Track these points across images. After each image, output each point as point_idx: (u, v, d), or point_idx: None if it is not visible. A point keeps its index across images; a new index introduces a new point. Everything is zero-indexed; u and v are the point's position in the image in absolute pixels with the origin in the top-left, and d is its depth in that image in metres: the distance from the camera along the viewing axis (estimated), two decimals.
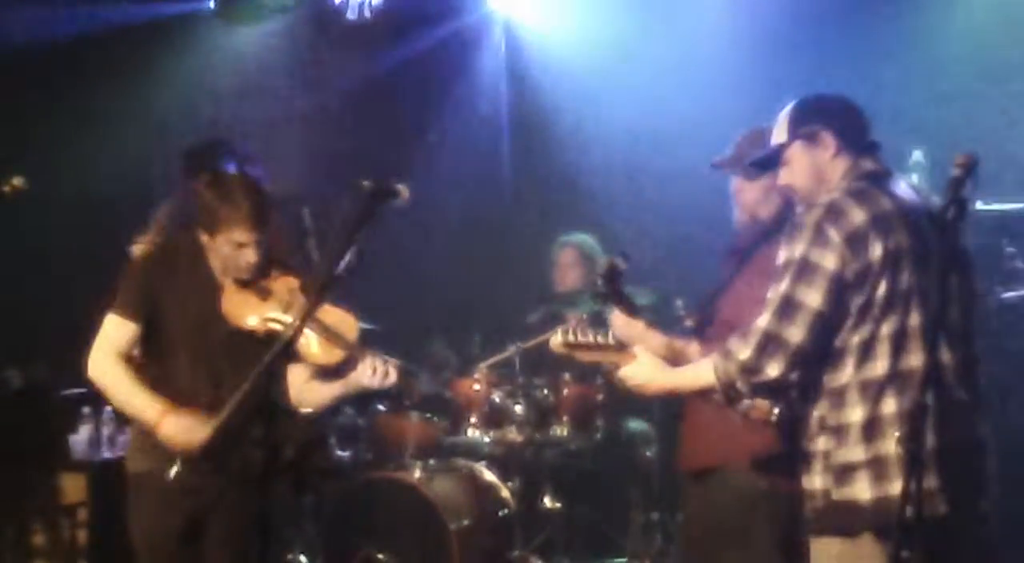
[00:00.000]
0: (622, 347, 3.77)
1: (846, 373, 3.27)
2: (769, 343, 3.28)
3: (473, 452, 6.19)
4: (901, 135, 5.01)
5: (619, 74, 7.02)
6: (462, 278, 7.37)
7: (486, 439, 6.15)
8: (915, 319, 3.24)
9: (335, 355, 4.11)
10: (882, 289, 3.24)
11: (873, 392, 3.24)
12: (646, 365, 3.67)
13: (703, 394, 3.51)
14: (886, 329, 3.24)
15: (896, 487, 3.11)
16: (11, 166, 4.65)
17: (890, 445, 3.20)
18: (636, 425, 6.38)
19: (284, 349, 3.81)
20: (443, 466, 5.99)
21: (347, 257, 3.74)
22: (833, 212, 3.28)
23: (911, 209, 3.34)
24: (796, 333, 3.26)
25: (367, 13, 7.12)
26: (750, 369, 3.31)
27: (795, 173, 3.49)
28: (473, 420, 6.19)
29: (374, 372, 4.04)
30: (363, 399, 5.95)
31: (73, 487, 5.77)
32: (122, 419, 5.61)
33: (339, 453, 6.16)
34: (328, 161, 7.02)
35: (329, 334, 4.08)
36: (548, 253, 6.73)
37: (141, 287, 4.16)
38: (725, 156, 4.13)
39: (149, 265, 4.23)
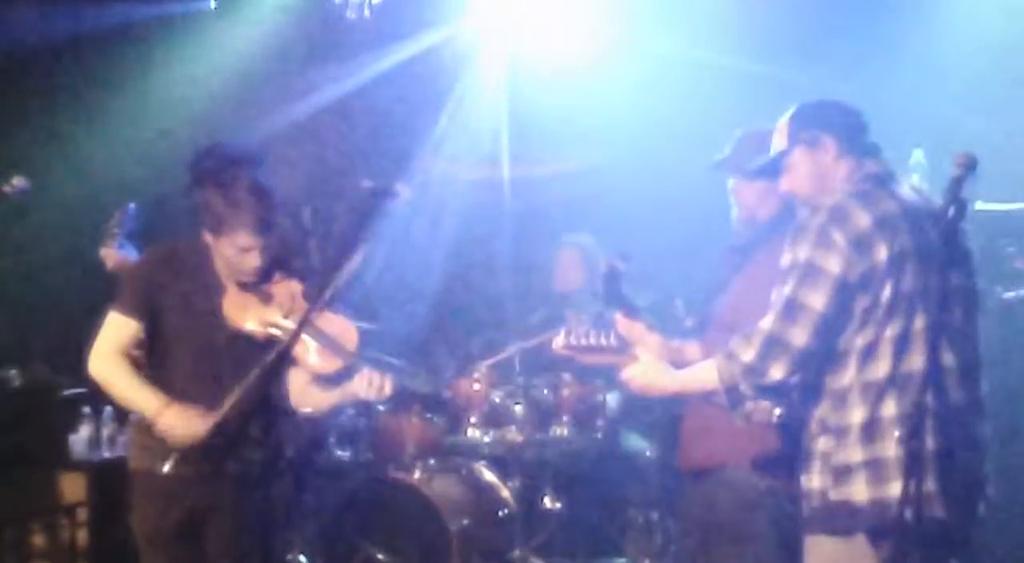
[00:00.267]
0: (624, 348, 3.77)
1: (848, 374, 3.28)
2: (773, 345, 3.29)
3: (473, 452, 6.19)
4: (901, 135, 5.01)
5: (618, 73, 7.02)
6: (462, 278, 7.37)
7: (486, 439, 6.14)
8: (919, 321, 3.24)
9: (333, 364, 4.13)
10: (887, 291, 3.24)
11: (874, 394, 3.24)
12: (648, 367, 3.68)
13: (706, 396, 3.51)
14: (890, 331, 3.24)
15: (893, 489, 3.12)
16: (11, 166, 4.65)
17: (889, 447, 3.21)
18: (636, 430, 6.38)
19: (282, 354, 3.83)
20: (443, 466, 5.99)
21: (349, 262, 3.76)
22: (837, 215, 3.28)
23: (915, 210, 3.34)
24: (800, 336, 3.26)
25: (367, 13, 7.12)
26: (753, 371, 3.31)
27: (797, 179, 3.49)
28: (473, 420, 6.19)
29: (370, 384, 4.07)
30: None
31: (73, 487, 5.77)
32: (122, 419, 5.61)
33: (339, 453, 6.16)
34: (328, 161, 7.02)
35: (328, 343, 4.10)
36: (548, 253, 6.73)
37: (144, 286, 4.18)
38: (724, 157, 4.14)
39: (153, 264, 4.25)
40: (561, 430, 6.10)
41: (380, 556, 5.69)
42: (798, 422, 3.44)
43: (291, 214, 5.07)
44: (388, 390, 4.09)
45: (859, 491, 3.25)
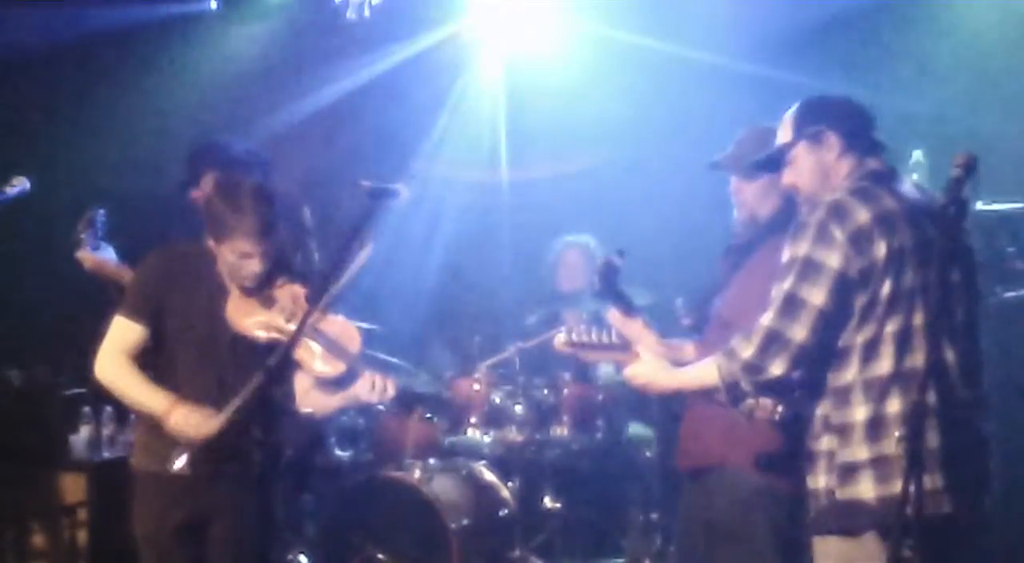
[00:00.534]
0: (625, 346, 3.77)
1: (850, 372, 3.28)
2: (772, 342, 3.29)
3: (473, 452, 6.19)
4: (901, 135, 5.01)
5: (618, 72, 7.02)
6: (460, 279, 7.36)
7: (486, 439, 6.15)
8: (919, 318, 3.25)
9: (336, 368, 4.15)
10: (886, 288, 3.25)
11: (877, 391, 3.24)
12: (649, 364, 3.68)
13: (706, 394, 3.52)
14: (890, 328, 3.25)
15: (899, 486, 3.12)
16: (12, 166, 4.66)
17: (894, 445, 3.21)
18: (636, 426, 6.38)
19: (284, 356, 3.83)
20: (443, 466, 5.99)
21: (350, 263, 3.77)
22: (837, 211, 3.29)
23: (915, 208, 3.35)
24: (799, 332, 3.26)
25: (367, 12, 7.12)
26: (753, 368, 3.31)
27: (800, 173, 3.50)
28: (473, 420, 6.19)
29: (373, 387, 4.09)
30: None
31: (73, 487, 5.77)
32: (122, 419, 5.61)
33: (339, 453, 6.16)
34: (329, 161, 7.02)
35: (331, 346, 4.11)
36: (547, 254, 6.73)
37: (149, 290, 4.19)
38: (724, 155, 4.14)
39: (158, 267, 4.26)
40: (561, 430, 6.10)
41: (380, 556, 5.69)
42: (800, 420, 3.45)
43: (291, 214, 5.07)
44: (391, 393, 4.11)
45: (866, 489, 3.25)
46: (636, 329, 4.03)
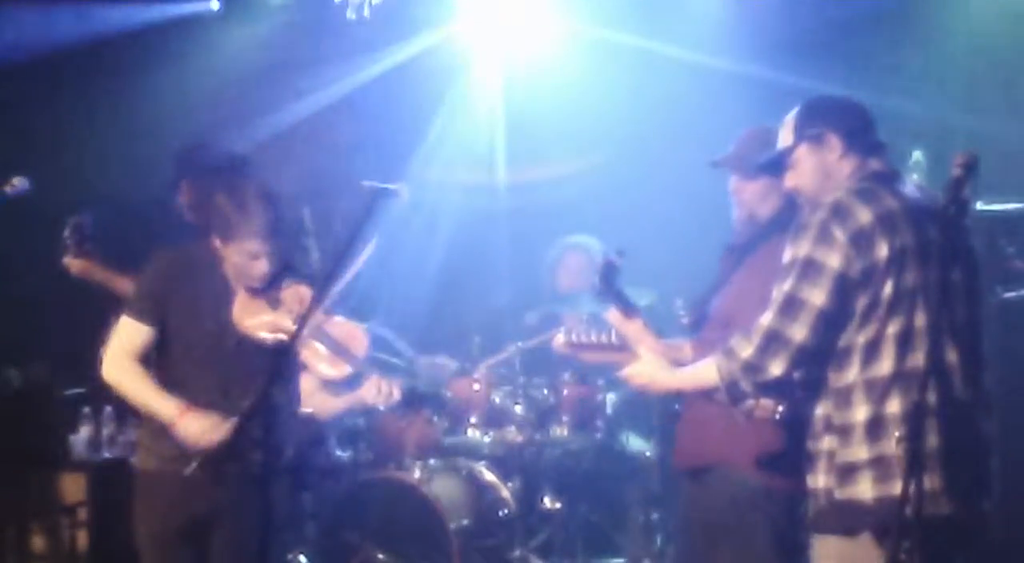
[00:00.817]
0: (625, 347, 3.77)
1: (852, 372, 3.28)
2: (772, 341, 3.29)
3: (473, 452, 6.19)
4: (901, 135, 5.01)
5: (617, 73, 7.02)
6: (461, 278, 7.36)
7: (486, 439, 6.15)
8: (921, 318, 3.24)
9: (341, 370, 4.16)
10: (888, 288, 3.24)
11: (878, 391, 3.24)
12: (649, 364, 3.68)
13: (706, 394, 3.51)
14: (892, 328, 3.24)
15: (898, 487, 3.11)
16: (12, 166, 4.66)
17: (894, 445, 3.20)
18: (636, 429, 6.38)
19: (286, 354, 3.83)
20: (443, 466, 5.99)
21: (350, 263, 3.78)
22: (838, 211, 3.29)
23: (917, 208, 3.34)
24: (799, 331, 3.26)
25: (367, 13, 7.12)
26: (753, 367, 3.31)
27: (802, 175, 3.50)
28: (473, 420, 6.19)
29: (378, 391, 4.10)
30: None
31: (73, 487, 5.78)
32: (122, 419, 5.61)
33: (339, 453, 6.15)
34: (328, 161, 7.02)
35: (337, 348, 4.12)
36: (545, 255, 6.72)
37: (156, 290, 4.20)
38: (725, 155, 4.14)
39: (165, 268, 4.26)
40: (561, 430, 6.10)
41: (380, 556, 5.69)
42: (800, 420, 3.45)
43: (291, 214, 5.07)
44: (396, 396, 4.12)
45: (865, 490, 3.24)
46: (636, 330, 4.03)
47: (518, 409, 6.12)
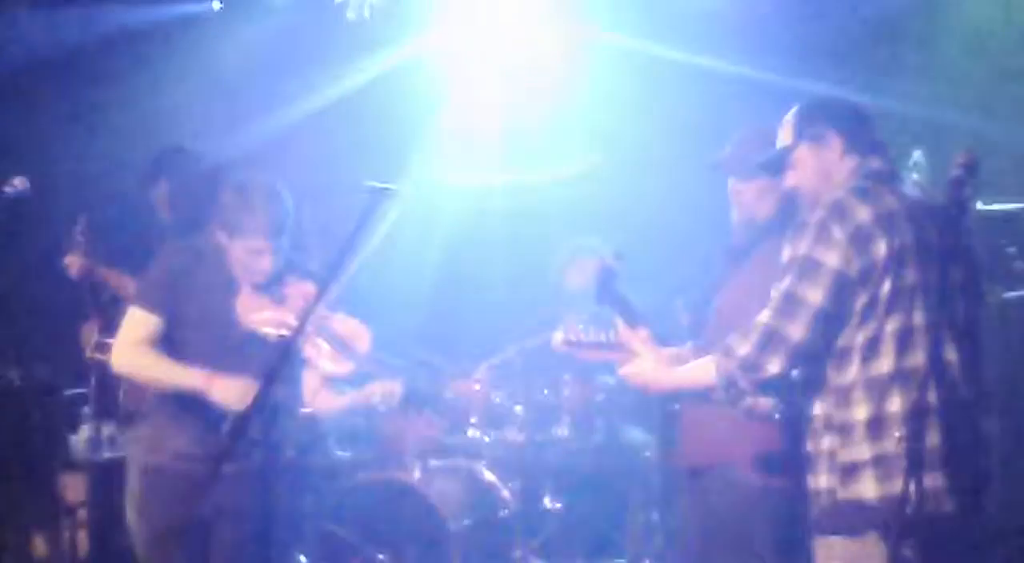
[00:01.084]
0: (624, 345, 3.77)
1: (852, 371, 3.28)
2: (769, 340, 3.29)
3: (473, 452, 6.19)
4: (901, 135, 5.00)
5: (617, 73, 7.02)
6: (462, 278, 7.36)
7: (486, 439, 6.15)
8: (920, 317, 3.24)
9: (344, 367, 4.17)
10: (887, 287, 3.25)
11: (878, 390, 3.24)
12: (648, 363, 3.68)
13: (705, 393, 3.51)
14: (891, 327, 3.25)
15: (901, 485, 3.12)
16: (12, 166, 4.66)
17: (895, 443, 3.20)
18: (636, 427, 6.38)
19: (288, 351, 3.84)
20: (443, 466, 5.99)
21: (350, 262, 3.79)
22: (837, 210, 3.29)
23: (916, 208, 3.35)
24: (797, 330, 3.26)
25: (367, 13, 7.12)
26: (750, 366, 3.31)
27: (802, 175, 3.50)
28: (473, 420, 6.19)
29: (381, 390, 4.12)
30: None
31: (73, 487, 5.78)
32: (124, 419, 5.60)
33: (339, 453, 6.16)
34: (329, 161, 7.02)
35: (340, 346, 4.13)
36: (556, 254, 6.71)
37: (164, 281, 4.23)
38: (723, 156, 4.14)
39: (173, 261, 4.29)
40: (561, 430, 6.10)
41: (380, 556, 5.69)
42: (800, 420, 3.45)
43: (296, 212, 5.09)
44: (398, 395, 4.15)
45: (868, 489, 3.24)
46: (641, 340, 3.97)
47: (518, 409, 6.12)
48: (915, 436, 2.97)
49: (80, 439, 5.80)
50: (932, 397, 3.05)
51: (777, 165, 3.58)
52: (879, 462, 3.23)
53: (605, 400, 6.17)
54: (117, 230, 5.50)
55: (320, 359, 4.16)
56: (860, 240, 3.25)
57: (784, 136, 3.54)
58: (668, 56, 6.82)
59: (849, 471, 3.27)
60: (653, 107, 6.92)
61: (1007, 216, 5.38)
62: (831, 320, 3.27)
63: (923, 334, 3.23)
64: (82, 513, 5.74)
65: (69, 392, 5.87)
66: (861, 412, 3.26)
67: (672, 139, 6.70)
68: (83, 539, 5.74)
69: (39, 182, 4.95)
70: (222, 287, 4.21)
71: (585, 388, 6.14)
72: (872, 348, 3.25)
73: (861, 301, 3.25)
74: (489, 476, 6.02)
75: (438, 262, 7.29)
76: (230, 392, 4.09)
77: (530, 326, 6.46)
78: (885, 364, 3.24)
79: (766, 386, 3.35)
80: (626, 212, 6.91)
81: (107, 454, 5.74)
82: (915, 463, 2.96)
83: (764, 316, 3.32)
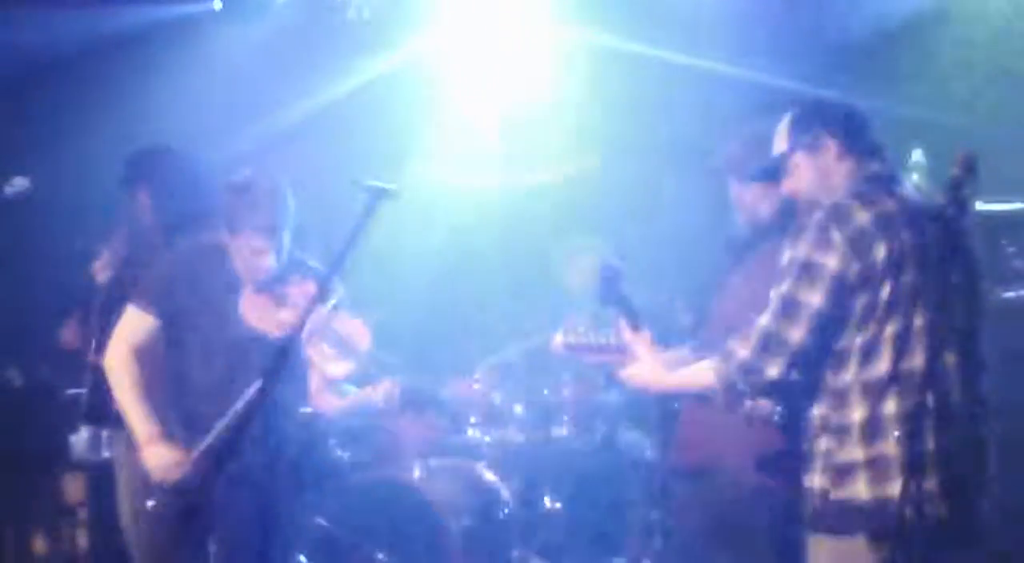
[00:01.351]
0: (623, 347, 3.77)
1: (849, 373, 3.28)
2: (769, 343, 3.29)
3: (473, 452, 6.19)
4: (901, 135, 5.00)
5: (614, 76, 7.02)
6: (462, 278, 7.36)
7: (486, 439, 6.15)
8: (919, 320, 3.25)
9: (344, 367, 4.17)
10: (886, 290, 3.24)
11: (874, 392, 3.24)
12: (647, 365, 3.68)
13: (705, 395, 3.51)
14: (889, 330, 3.25)
15: (894, 488, 3.12)
16: (13, 166, 4.66)
17: (890, 446, 3.21)
18: (636, 427, 6.38)
19: (289, 351, 3.84)
20: (443, 466, 5.99)
21: (349, 262, 3.78)
22: (836, 214, 3.29)
23: (915, 210, 3.34)
24: (796, 333, 3.26)
25: (366, 13, 7.12)
26: (750, 369, 3.31)
27: (800, 180, 3.50)
28: (473, 420, 6.19)
29: (379, 390, 4.13)
30: None
31: (73, 487, 5.78)
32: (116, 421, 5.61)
33: (339, 453, 6.16)
34: (329, 160, 7.02)
35: (340, 346, 4.13)
36: (557, 254, 6.71)
37: (164, 282, 4.23)
38: (722, 159, 4.14)
39: (176, 262, 4.29)
40: (561, 430, 6.10)
41: (380, 556, 5.69)
42: (798, 421, 3.45)
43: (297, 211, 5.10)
44: (397, 395, 4.15)
45: (860, 490, 3.25)
46: (643, 344, 3.95)
47: (518, 409, 6.12)
48: (911, 439, 2.97)
49: (80, 439, 5.80)
50: (929, 400, 3.05)
51: (773, 172, 3.58)
52: (873, 464, 3.23)
53: (605, 400, 6.17)
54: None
55: (320, 360, 4.16)
56: (859, 243, 3.25)
57: (779, 143, 3.54)
58: (668, 60, 6.83)
59: (843, 472, 3.27)
60: (652, 108, 6.92)
61: (1007, 216, 5.38)
62: (830, 323, 3.27)
63: (922, 337, 3.23)
64: (82, 513, 5.74)
65: (69, 392, 5.86)
66: (857, 414, 3.26)
67: (672, 139, 6.70)
68: (83, 539, 5.74)
69: (39, 182, 4.94)
70: (225, 287, 4.22)
71: (585, 388, 6.14)
72: (870, 351, 3.25)
73: (860, 304, 3.25)
74: (489, 476, 6.02)
75: (438, 262, 7.29)
76: (159, 461, 4.11)
77: (530, 326, 6.46)
78: (882, 367, 3.25)
79: (765, 389, 3.35)
80: (626, 212, 6.92)
81: (107, 454, 5.74)
82: (910, 466, 2.96)
83: (764, 319, 3.32)
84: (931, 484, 3.15)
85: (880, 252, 3.25)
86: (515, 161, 7.36)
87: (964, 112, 6.05)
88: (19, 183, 4.86)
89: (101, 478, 5.56)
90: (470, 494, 5.90)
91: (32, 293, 6.25)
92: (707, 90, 6.69)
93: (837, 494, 3.29)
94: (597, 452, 6.18)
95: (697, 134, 6.14)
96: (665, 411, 5.67)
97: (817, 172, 3.46)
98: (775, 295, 3.32)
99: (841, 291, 3.25)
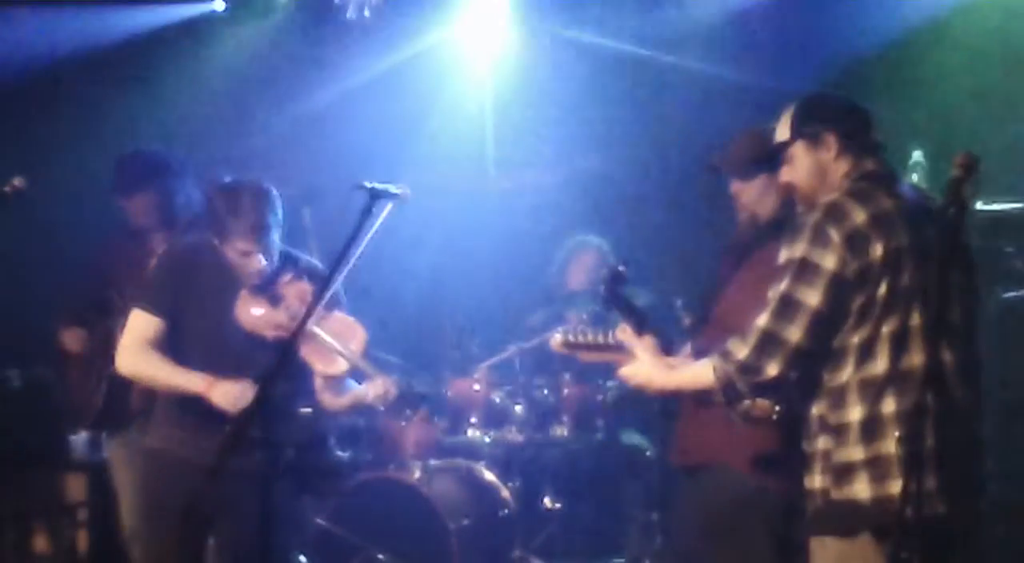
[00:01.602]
0: (622, 347, 3.76)
1: (846, 372, 3.27)
2: (768, 343, 3.28)
3: (473, 452, 6.19)
4: (901, 135, 5.01)
5: (618, 73, 7.02)
6: (463, 278, 7.36)
7: (486, 439, 6.15)
8: (916, 319, 3.24)
9: (339, 367, 4.17)
10: (883, 289, 3.24)
11: (873, 392, 3.24)
12: (646, 364, 3.68)
13: (703, 394, 3.51)
14: (887, 329, 3.24)
15: (895, 487, 3.12)
16: (13, 166, 4.66)
17: (889, 445, 3.21)
18: (635, 429, 6.38)
19: (287, 351, 3.84)
20: (443, 466, 5.99)
21: (349, 262, 3.79)
22: (833, 212, 3.28)
23: (913, 209, 3.34)
24: (795, 333, 3.26)
25: (367, 12, 7.12)
26: (749, 369, 3.31)
27: (797, 171, 3.49)
28: (473, 420, 6.20)
29: (376, 389, 4.12)
30: None
31: (73, 487, 5.78)
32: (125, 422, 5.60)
33: (339, 453, 6.16)
34: (329, 161, 7.02)
35: (336, 345, 4.13)
36: (557, 252, 6.71)
37: (166, 283, 4.24)
38: (721, 158, 4.13)
39: (175, 262, 4.29)
40: (561, 430, 6.10)
41: (380, 556, 5.69)
42: (797, 421, 3.44)
43: (288, 211, 5.10)
44: (393, 394, 4.14)
45: (861, 490, 3.24)
46: (646, 348, 3.92)
47: (518, 409, 6.13)
48: (911, 438, 2.97)
49: (80, 439, 5.80)
50: (928, 399, 3.05)
51: (772, 160, 3.58)
52: (873, 463, 3.23)
53: (605, 400, 6.17)
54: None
55: (316, 360, 4.17)
56: (856, 242, 3.24)
57: (781, 132, 3.53)
58: (667, 61, 6.83)
59: (843, 472, 3.27)
60: (652, 108, 6.92)
61: (1007, 216, 5.38)
62: (828, 322, 3.26)
63: (919, 336, 3.23)
64: (82, 513, 5.74)
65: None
66: (855, 413, 3.26)
67: (671, 139, 6.70)
68: (83, 539, 5.74)
69: (40, 182, 4.94)
70: (223, 288, 4.22)
71: (585, 388, 6.14)
72: (867, 349, 3.25)
73: (857, 303, 3.25)
74: (489, 476, 6.02)
75: (437, 262, 7.30)
76: (230, 396, 4.10)
77: (530, 326, 6.46)
78: (880, 365, 3.24)
79: (764, 388, 3.35)
80: (626, 212, 6.92)
81: (107, 454, 5.75)
82: (910, 465, 2.96)
83: (762, 319, 3.31)
84: (931, 483, 3.14)
85: (877, 251, 3.25)
86: (515, 161, 7.36)
87: (965, 111, 6.05)
88: (19, 183, 4.85)
89: (101, 478, 5.57)
90: (470, 494, 5.90)
91: (32, 293, 6.25)
92: (707, 90, 6.69)
93: (838, 494, 3.28)
94: (597, 452, 6.18)
95: (698, 133, 6.14)
96: (666, 410, 5.69)
97: (815, 166, 3.46)
98: (773, 295, 3.32)
99: (839, 290, 3.24)
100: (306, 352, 4.15)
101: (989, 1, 6.24)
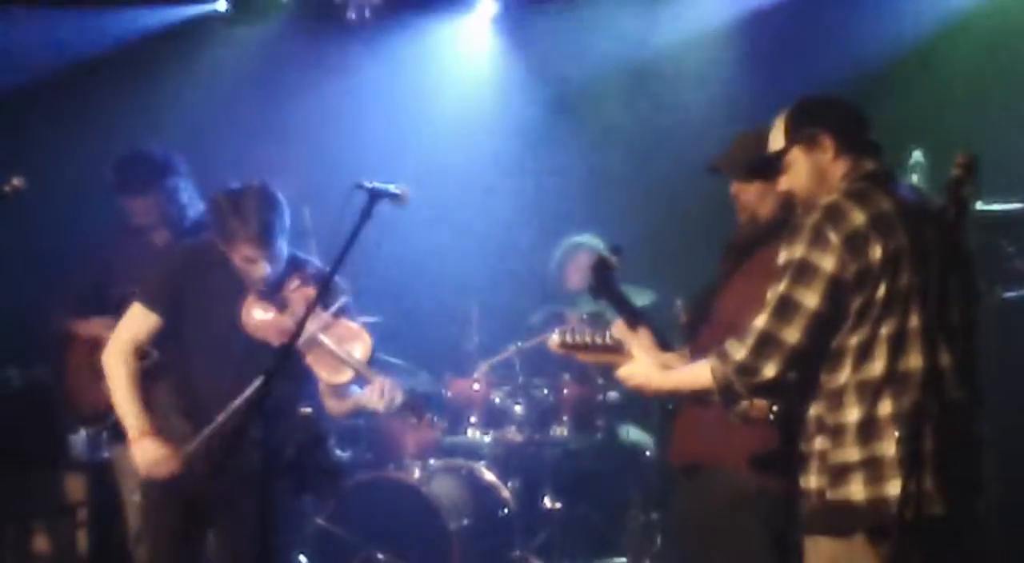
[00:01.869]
0: (620, 347, 3.76)
1: (844, 374, 3.27)
2: (766, 344, 3.28)
3: (473, 452, 6.20)
4: (901, 135, 5.00)
5: (620, 73, 7.02)
6: (463, 277, 7.36)
7: (486, 439, 6.16)
8: (914, 320, 3.24)
9: (344, 375, 4.17)
10: (881, 290, 3.24)
11: (870, 393, 3.24)
12: (644, 365, 3.67)
13: (701, 395, 3.51)
14: (885, 330, 3.24)
15: (890, 488, 3.12)
16: (12, 166, 4.66)
17: (886, 446, 3.21)
18: (635, 427, 6.38)
19: (289, 356, 3.83)
20: (443, 466, 5.99)
21: (348, 262, 3.79)
22: (832, 214, 3.28)
23: (911, 209, 3.34)
24: (793, 334, 3.26)
25: (367, 13, 7.12)
26: (746, 370, 3.30)
27: (796, 177, 3.48)
28: (473, 420, 6.20)
29: (381, 395, 4.11)
30: None
31: (73, 487, 5.78)
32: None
33: (339, 453, 6.16)
34: (329, 161, 7.02)
35: (341, 352, 4.12)
36: (553, 252, 6.71)
37: (169, 281, 4.24)
38: (720, 158, 4.13)
39: (182, 261, 4.30)
40: (561, 430, 6.11)
41: (380, 556, 5.69)
42: (794, 421, 3.44)
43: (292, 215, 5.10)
44: (399, 400, 4.14)
45: (856, 491, 3.24)
46: (639, 341, 3.93)
47: (518, 409, 6.13)
48: (909, 439, 2.97)
49: (80, 439, 5.80)
50: (926, 400, 3.05)
51: (769, 168, 3.57)
52: (868, 465, 3.23)
53: (605, 400, 6.17)
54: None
55: (319, 368, 4.16)
56: (855, 243, 3.24)
57: (776, 139, 3.53)
58: (666, 62, 6.84)
59: (839, 472, 3.27)
60: (651, 107, 6.92)
61: (1007, 216, 5.38)
62: (826, 323, 3.26)
63: (918, 337, 3.22)
64: (82, 513, 5.74)
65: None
66: (853, 414, 3.25)
67: (671, 139, 6.70)
68: (83, 539, 5.74)
69: (39, 182, 4.94)
70: (228, 292, 4.21)
71: (585, 388, 6.14)
72: (865, 351, 3.25)
73: (856, 304, 3.25)
74: (489, 476, 6.03)
75: (437, 262, 7.30)
76: (148, 457, 4.15)
77: (530, 326, 6.46)
78: (878, 367, 3.24)
79: (761, 389, 3.35)
80: (625, 212, 6.92)
81: (107, 454, 5.75)
82: (908, 466, 2.96)
83: (760, 320, 3.31)
84: (928, 483, 3.14)
85: (876, 252, 3.24)
86: (515, 161, 7.36)
87: (965, 111, 6.05)
88: (18, 183, 4.85)
89: (101, 478, 5.57)
90: (470, 494, 5.91)
91: (32, 293, 6.25)
92: (708, 90, 6.69)
93: (833, 495, 3.28)
94: (597, 452, 6.18)
95: (698, 133, 6.14)
96: (664, 411, 5.69)
97: (813, 169, 3.45)
98: (771, 296, 3.31)
99: (837, 292, 3.24)
100: (311, 360, 4.15)
101: (989, 3, 6.24)
